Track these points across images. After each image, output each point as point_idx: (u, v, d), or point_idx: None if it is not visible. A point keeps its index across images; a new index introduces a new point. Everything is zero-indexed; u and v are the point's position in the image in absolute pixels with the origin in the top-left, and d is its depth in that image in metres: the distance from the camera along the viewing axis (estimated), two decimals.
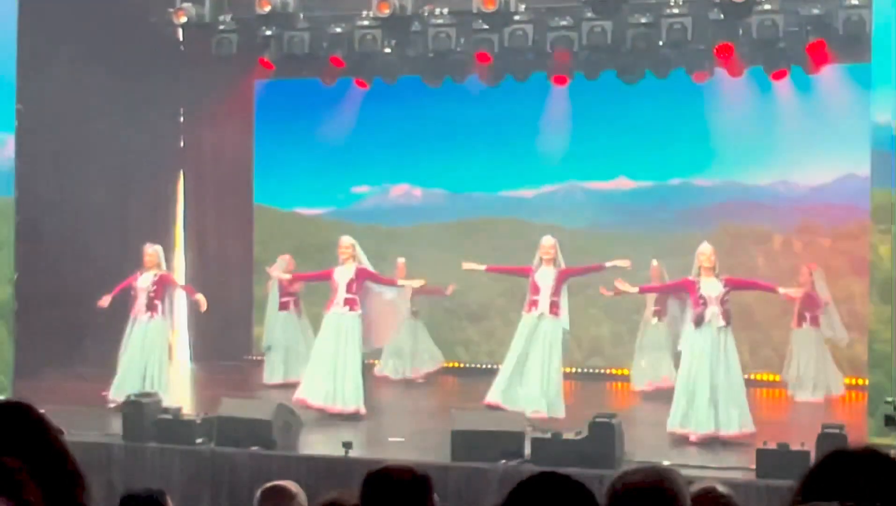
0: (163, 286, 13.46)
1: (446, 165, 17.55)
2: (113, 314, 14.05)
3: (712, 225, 15.85)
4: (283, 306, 15.82)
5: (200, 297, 13.73)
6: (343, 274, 13.22)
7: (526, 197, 17.43)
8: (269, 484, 5.14)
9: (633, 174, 17.04)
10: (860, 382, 14.04)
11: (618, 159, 16.95)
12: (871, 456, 2.14)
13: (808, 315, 14.78)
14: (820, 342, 14.79)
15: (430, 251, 16.35)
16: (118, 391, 12.96)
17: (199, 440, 11.35)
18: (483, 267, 13.64)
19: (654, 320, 15.11)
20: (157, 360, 13.26)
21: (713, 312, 11.84)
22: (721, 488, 3.84)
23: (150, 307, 13.31)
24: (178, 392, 14.07)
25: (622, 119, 16.66)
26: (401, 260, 16.04)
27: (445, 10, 15.15)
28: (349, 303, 13.11)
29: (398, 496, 3.31)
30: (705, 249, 12.11)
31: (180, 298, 15.43)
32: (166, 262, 13.96)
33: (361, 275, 13.24)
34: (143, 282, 13.39)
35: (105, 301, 13.49)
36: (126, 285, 13.50)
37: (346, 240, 13.37)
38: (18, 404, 2.50)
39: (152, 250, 13.53)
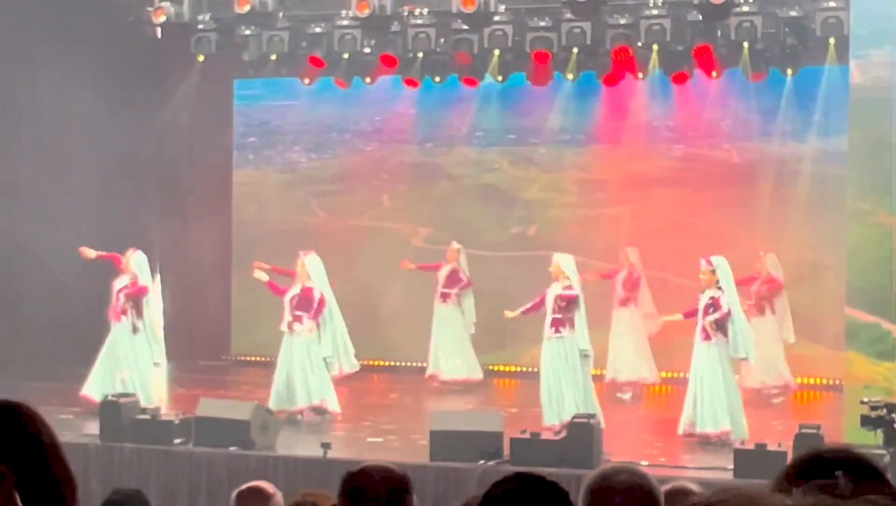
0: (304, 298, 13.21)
1: None
2: (87, 318, 13.99)
3: None
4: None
5: None
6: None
7: None
8: (245, 485, 5.12)
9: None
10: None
11: None
12: (848, 457, 2.14)
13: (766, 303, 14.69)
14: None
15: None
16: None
17: (177, 441, 11.32)
18: (518, 312, 13.15)
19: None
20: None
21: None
22: (693, 487, 3.85)
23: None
24: (155, 392, 14.00)
25: None
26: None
27: (425, 11, 15.16)
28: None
29: (377, 497, 3.30)
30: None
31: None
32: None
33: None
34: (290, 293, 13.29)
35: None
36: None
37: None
38: (9, 404, 2.46)
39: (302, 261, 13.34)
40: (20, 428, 2.39)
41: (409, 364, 16.67)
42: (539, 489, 2.63)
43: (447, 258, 15.83)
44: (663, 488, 3.42)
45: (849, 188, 11.68)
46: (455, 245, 15.82)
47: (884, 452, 9.31)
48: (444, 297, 15.59)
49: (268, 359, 16.42)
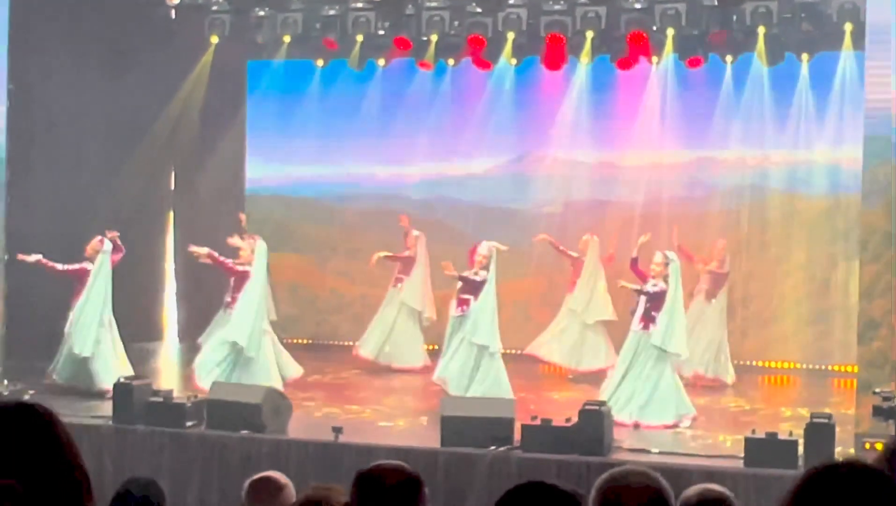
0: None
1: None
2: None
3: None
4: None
5: None
6: None
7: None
8: (257, 475, 5.12)
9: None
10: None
11: None
12: (861, 472, 2.13)
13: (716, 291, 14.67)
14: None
15: None
16: None
17: (189, 423, 11.34)
18: None
19: None
20: None
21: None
22: (719, 489, 3.86)
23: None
24: (168, 374, 14.06)
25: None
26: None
27: None
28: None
29: (389, 498, 3.31)
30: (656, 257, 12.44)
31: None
32: (157, 242, 13.89)
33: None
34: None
35: None
36: None
37: None
38: (25, 405, 2.46)
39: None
40: (39, 431, 2.39)
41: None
42: (552, 500, 2.62)
43: (407, 244, 15.83)
44: (686, 494, 3.43)
45: (864, 184, 11.59)
46: (415, 232, 15.88)
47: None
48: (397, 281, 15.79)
49: (286, 340, 16.45)
